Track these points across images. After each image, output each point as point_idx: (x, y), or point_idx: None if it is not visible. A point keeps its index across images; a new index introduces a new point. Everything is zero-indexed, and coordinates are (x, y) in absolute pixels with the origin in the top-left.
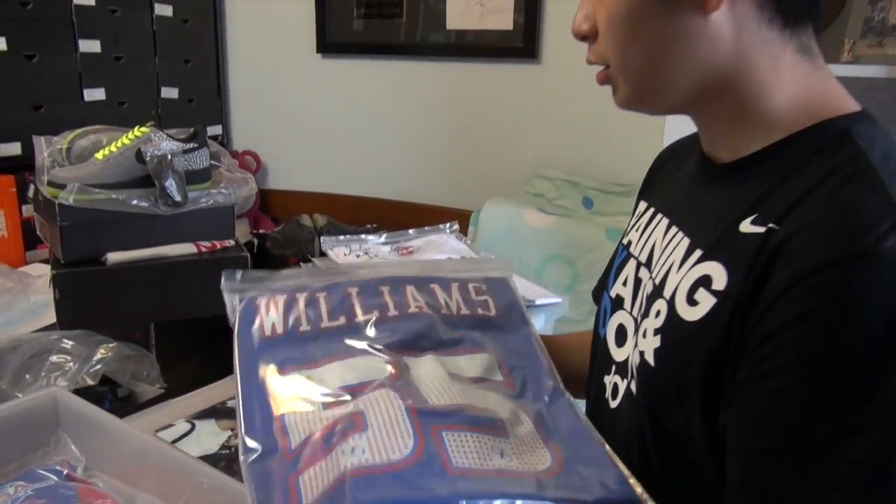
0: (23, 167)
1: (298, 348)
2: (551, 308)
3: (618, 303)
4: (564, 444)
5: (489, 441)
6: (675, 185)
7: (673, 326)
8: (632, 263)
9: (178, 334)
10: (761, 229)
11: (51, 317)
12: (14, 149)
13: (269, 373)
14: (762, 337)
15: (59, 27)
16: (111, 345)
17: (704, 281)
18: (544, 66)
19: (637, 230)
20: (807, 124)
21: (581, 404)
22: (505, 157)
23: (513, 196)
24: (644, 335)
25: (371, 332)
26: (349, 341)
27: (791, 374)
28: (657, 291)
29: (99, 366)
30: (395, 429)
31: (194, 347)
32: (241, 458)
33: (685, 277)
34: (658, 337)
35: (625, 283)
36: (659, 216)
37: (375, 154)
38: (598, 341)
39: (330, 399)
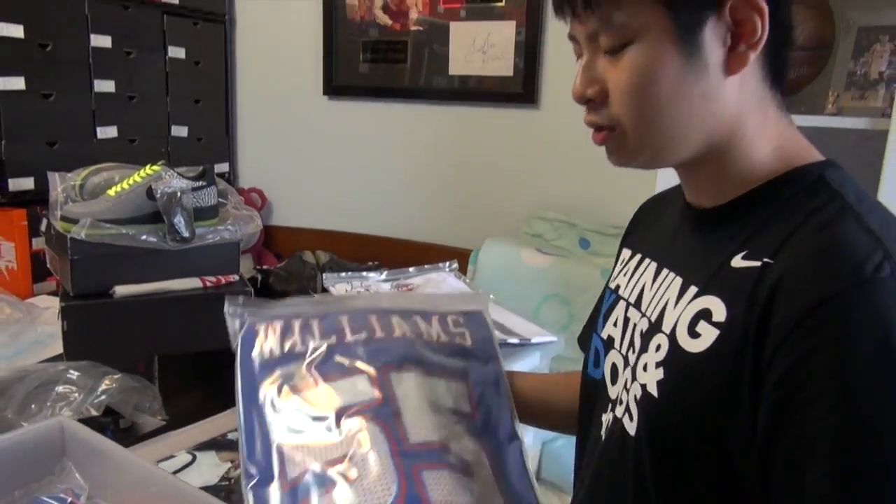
0: (34, 201)
1: (293, 370)
2: (547, 346)
3: (609, 343)
4: (512, 494)
5: (460, 479)
6: (658, 232)
7: (676, 358)
8: (621, 305)
9: (181, 367)
10: (756, 263)
11: (57, 347)
12: (27, 184)
13: (267, 398)
14: (784, 370)
15: (76, 68)
16: (116, 376)
17: (704, 314)
18: (543, 111)
19: (624, 275)
20: (782, 171)
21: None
22: (504, 197)
23: (511, 236)
24: (644, 369)
25: (360, 350)
26: (339, 358)
27: (827, 398)
28: (654, 327)
29: (103, 396)
30: (381, 478)
31: (196, 380)
32: (243, 482)
33: (684, 312)
34: (661, 369)
35: (615, 324)
36: (647, 261)
37: (378, 193)
38: (594, 382)
39: (322, 428)
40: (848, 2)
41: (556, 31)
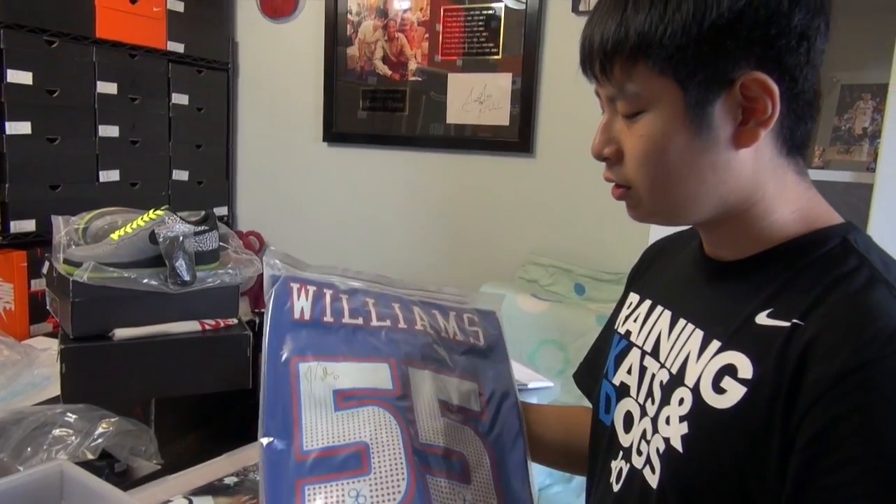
0: (35, 243)
1: (321, 337)
2: (544, 392)
3: (623, 390)
4: (509, 494)
5: (457, 487)
6: (670, 279)
7: (702, 414)
8: (635, 352)
9: (178, 410)
10: (784, 323)
11: (53, 390)
12: (29, 226)
13: (292, 356)
14: (815, 432)
15: (81, 113)
16: (113, 419)
17: (729, 370)
18: (538, 159)
19: (635, 321)
20: (804, 232)
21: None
22: (500, 243)
23: (507, 281)
24: (667, 422)
25: (383, 337)
26: (364, 339)
27: (858, 463)
28: (676, 380)
29: (100, 440)
30: (393, 472)
31: (193, 423)
32: (260, 440)
33: (707, 367)
34: (685, 424)
35: (629, 372)
36: (659, 308)
37: (375, 238)
38: (604, 428)
39: (342, 405)
40: (831, 61)
41: (551, 83)
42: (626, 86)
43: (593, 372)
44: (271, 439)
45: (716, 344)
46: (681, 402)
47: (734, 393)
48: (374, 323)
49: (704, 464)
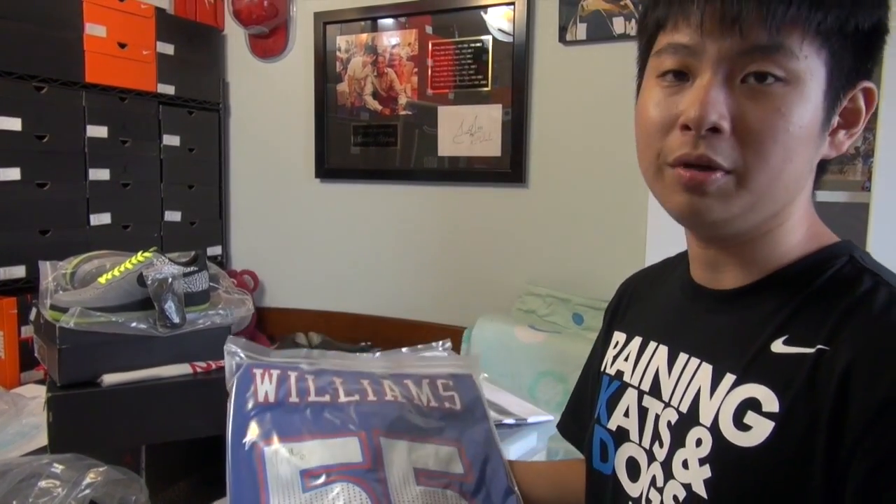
0: (25, 289)
1: (286, 418)
2: (544, 426)
3: (621, 435)
4: None
5: None
6: (658, 313)
7: (726, 454)
8: (631, 393)
9: (170, 456)
10: (806, 350)
11: (42, 439)
12: (19, 272)
13: (256, 441)
14: (875, 463)
15: (71, 158)
16: (100, 468)
17: (751, 404)
18: (531, 189)
19: (626, 360)
20: (811, 251)
21: None
22: (496, 275)
23: (504, 313)
24: (684, 466)
25: (352, 412)
26: (331, 416)
27: None
28: (689, 420)
29: (87, 491)
30: None
31: (185, 470)
32: None
33: (725, 403)
34: (707, 467)
35: (626, 414)
36: (653, 344)
37: (370, 273)
38: (603, 478)
39: (310, 485)
40: None
41: (541, 112)
42: (785, 43)
43: (579, 420)
44: None
45: (730, 377)
46: (698, 443)
47: (760, 428)
48: (342, 399)
49: None
